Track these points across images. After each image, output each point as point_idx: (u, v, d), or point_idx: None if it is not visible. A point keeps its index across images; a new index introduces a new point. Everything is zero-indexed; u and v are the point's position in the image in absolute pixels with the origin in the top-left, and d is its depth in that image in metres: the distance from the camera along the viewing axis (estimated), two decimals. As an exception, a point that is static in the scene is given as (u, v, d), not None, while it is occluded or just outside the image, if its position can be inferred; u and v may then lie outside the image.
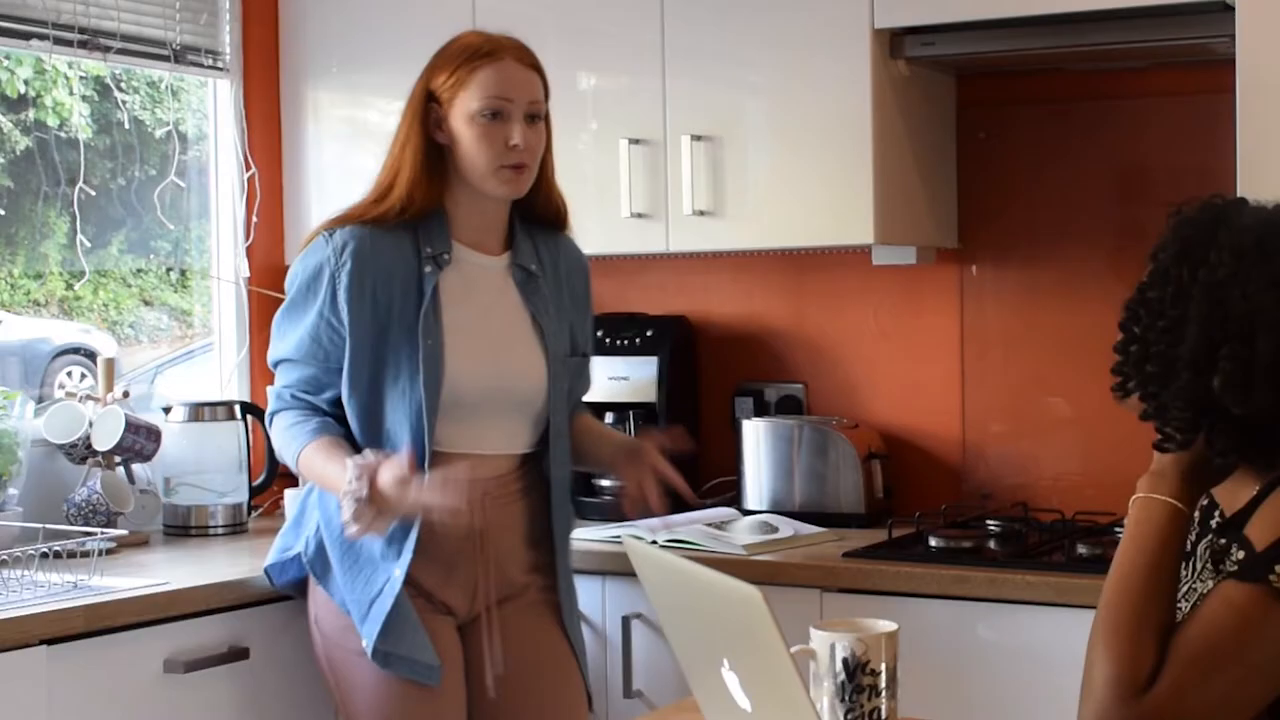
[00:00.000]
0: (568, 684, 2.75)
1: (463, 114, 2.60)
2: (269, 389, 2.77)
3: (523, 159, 2.61)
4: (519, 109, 2.61)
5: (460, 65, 2.60)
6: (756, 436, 3.43)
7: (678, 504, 3.29)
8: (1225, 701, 1.57)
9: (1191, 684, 1.57)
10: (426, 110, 2.63)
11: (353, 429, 2.64)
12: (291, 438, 2.65)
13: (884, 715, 1.77)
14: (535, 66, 2.66)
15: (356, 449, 2.60)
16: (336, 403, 2.66)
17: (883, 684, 1.77)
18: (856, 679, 1.76)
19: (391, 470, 2.44)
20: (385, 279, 2.61)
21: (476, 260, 2.69)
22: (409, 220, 2.63)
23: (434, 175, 2.63)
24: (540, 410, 2.71)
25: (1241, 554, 1.61)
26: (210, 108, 3.79)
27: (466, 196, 2.67)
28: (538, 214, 2.75)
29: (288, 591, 2.79)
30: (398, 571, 2.59)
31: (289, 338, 2.67)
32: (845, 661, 1.76)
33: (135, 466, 3.34)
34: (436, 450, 2.60)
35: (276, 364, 2.72)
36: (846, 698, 1.77)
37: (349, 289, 2.59)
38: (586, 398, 2.94)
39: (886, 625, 1.80)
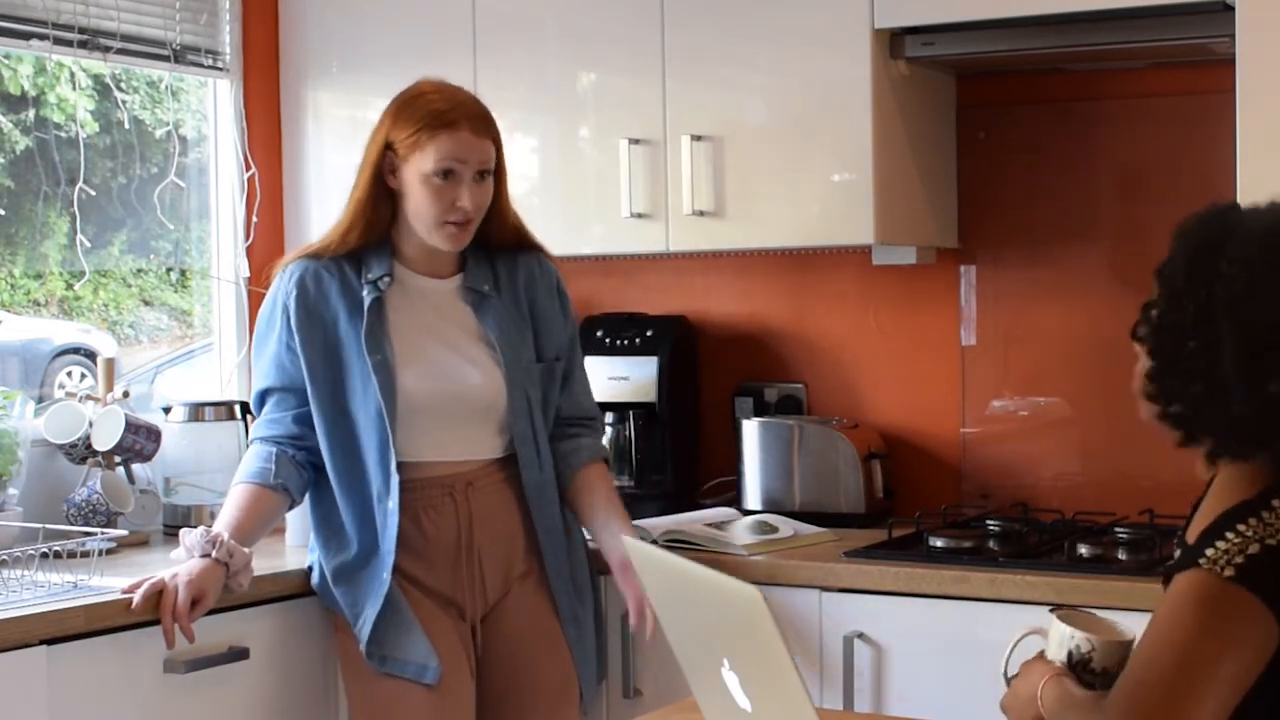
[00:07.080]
0: (555, 670, 2.84)
1: (416, 172, 2.74)
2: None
3: (468, 217, 2.75)
4: (470, 170, 2.75)
5: (421, 129, 2.73)
6: (756, 436, 3.42)
7: (679, 505, 3.31)
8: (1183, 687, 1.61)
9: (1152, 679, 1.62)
10: (383, 156, 2.77)
11: (322, 445, 2.79)
12: (240, 468, 2.86)
13: None
14: (490, 135, 2.77)
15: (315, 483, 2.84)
16: (306, 420, 2.80)
17: (1097, 686, 1.80)
18: (1076, 673, 1.81)
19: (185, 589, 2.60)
20: (329, 304, 2.80)
21: (422, 284, 2.83)
22: (353, 252, 2.81)
23: (379, 215, 2.80)
24: (504, 417, 2.82)
25: (1178, 552, 1.68)
26: (210, 108, 3.78)
27: (414, 231, 2.81)
28: (495, 241, 2.88)
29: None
30: (385, 575, 2.73)
31: (260, 367, 2.87)
32: (1070, 654, 1.82)
33: (135, 466, 3.34)
34: (402, 460, 2.74)
35: (260, 397, 2.87)
36: None
37: (297, 312, 2.79)
38: (572, 411, 2.96)
39: (1127, 632, 1.84)
